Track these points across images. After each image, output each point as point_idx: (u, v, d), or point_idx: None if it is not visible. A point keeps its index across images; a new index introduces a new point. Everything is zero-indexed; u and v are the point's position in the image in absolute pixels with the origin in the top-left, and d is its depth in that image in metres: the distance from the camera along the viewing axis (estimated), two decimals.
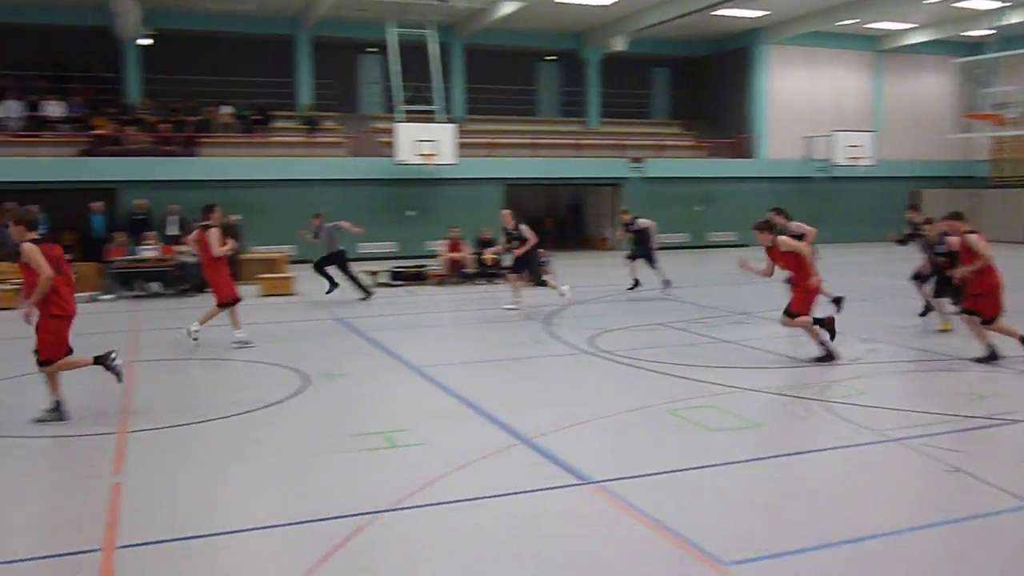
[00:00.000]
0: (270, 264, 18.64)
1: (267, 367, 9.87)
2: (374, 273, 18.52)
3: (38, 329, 7.52)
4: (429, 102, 25.49)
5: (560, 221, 31.88)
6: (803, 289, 9.51)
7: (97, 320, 14.01)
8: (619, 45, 29.25)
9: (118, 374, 7.94)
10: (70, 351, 7.71)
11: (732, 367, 9.36)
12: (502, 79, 30.77)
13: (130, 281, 16.93)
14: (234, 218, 19.94)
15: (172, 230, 19.57)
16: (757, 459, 6.37)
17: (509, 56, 31.03)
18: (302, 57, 27.93)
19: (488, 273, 18.75)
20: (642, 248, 16.32)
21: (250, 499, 5.74)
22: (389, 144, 25.12)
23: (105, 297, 16.38)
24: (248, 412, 7.82)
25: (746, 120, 31.37)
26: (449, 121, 25.68)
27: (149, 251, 17.35)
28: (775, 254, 9.72)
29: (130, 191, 21.71)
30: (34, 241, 7.38)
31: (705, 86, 33.61)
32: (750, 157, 30.83)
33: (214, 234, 11.02)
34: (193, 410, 7.90)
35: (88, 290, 16.72)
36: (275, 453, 6.68)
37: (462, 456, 6.34)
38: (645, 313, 13.74)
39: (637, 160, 28.59)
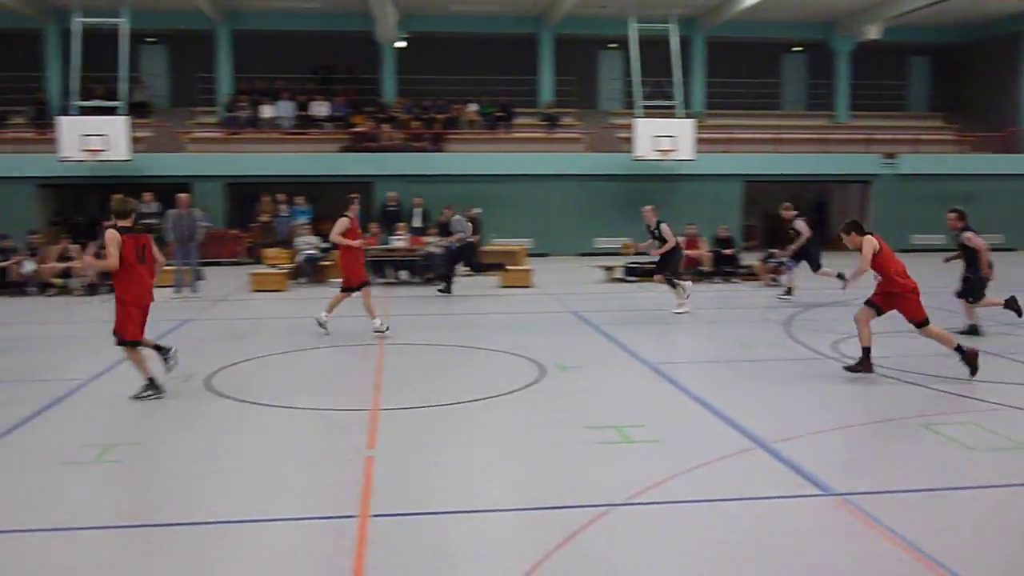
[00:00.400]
0: (509, 256, 19.23)
1: (506, 356, 10.22)
2: (609, 268, 18.64)
3: (115, 312, 8.17)
4: (669, 97, 25.26)
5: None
6: (907, 292, 8.60)
7: (352, 304, 15.12)
8: (873, 33, 27.55)
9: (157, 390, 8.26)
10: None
11: (998, 382, 8.59)
12: (744, 72, 29.95)
13: (382, 269, 18.10)
14: (475, 211, 20.79)
15: (416, 222, 20.70)
16: None
17: (752, 48, 30.11)
18: (544, 55, 28.60)
19: (725, 272, 18.36)
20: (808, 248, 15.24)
21: (489, 481, 5.99)
22: (627, 140, 25.16)
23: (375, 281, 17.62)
24: (488, 398, 8.15)
25: (1018, 112, 28.55)
26: (688, 116, 25.34)
27: (399, 241, 18.45)
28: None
29: (383, 184, 23.19)
30: (119, 229, 8.02)
31: (970, 75, 30.95)
32: (1022, 152, 28.04)
33: (340, 223, 11.51)
34: (437, 393, 8.35)
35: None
36: (513, 439, 6.92)
37: (696, 456, 6.27)
38: (896, 319, 12.87)
39: (890, 156, 26.82)
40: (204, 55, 27.44)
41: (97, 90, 24.11)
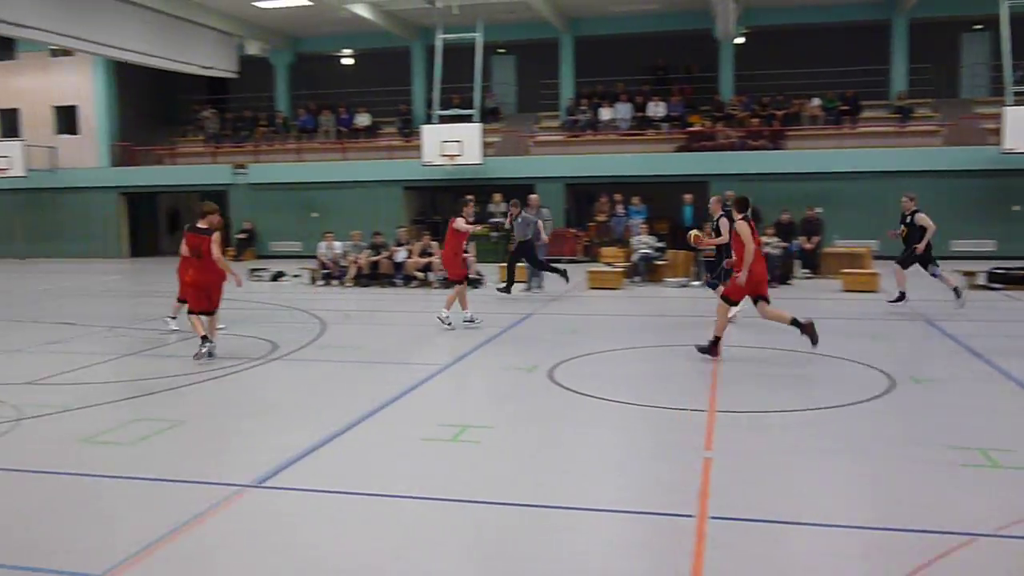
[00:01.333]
0: (853, 259, 18.16)
1: (850, 364, 9.69)
2: (969, 274, 16.91)
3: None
4: None
5: None
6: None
7: (683, 303, 15.15)
8: None
9: (208, 354, 10.20)
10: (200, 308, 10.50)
11: None
12: None
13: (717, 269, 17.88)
14: (816, 211, 19.88)
15: None
16: None
17: None
18: (897, 42, 26.55)
19: None
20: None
21: (835, 495, 5.71)
22: (994, 131, 22.66)
23: (695, 283, 17.56)
24: (832, 407, 7.78)
25: None
26: None
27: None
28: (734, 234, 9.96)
29: (719, 184, 22.89)
30: (186, 227, 10.65)
31: None
32: None
33: (458, 222, 12.55)
34: (777, 398, 8.15)
35: (680, 276, 18.14)
36: (861, 452, 6.53)
37: None
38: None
39: None
40: (548, 62, 28.85)
41: (454, 99, 26.30)
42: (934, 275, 13.80)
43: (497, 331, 12.14)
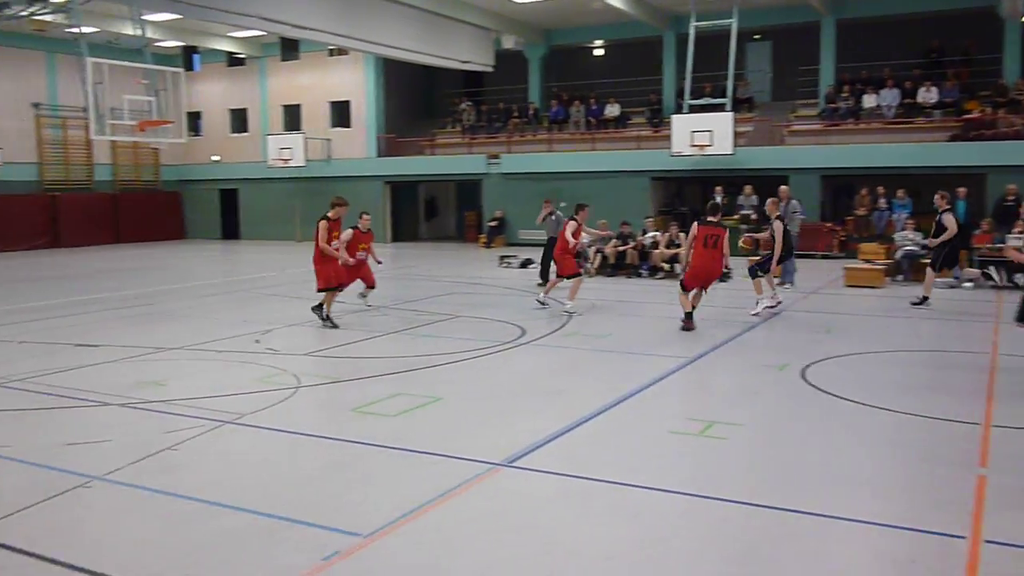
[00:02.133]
0: None
1: None
2: None
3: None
4: None
5: None
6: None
7: (950, 305, 13.96)
8: None
9: (329, 322, 11.99)
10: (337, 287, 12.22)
11: None
12: None
13: (994, 270, 16.32)
14: None
15: None
16: None
17: None
18: None
19: None
20: None
21: None
22: None
23: (967, 284, 16.12)
24: None
25: None
26: None
27: (1016, 240, 16.43)
28: None
29: (999, 177, 20.85)
30: (325, 216, 12.06)
31: None
32: None
33: (570, 225, 13.22)
34: None
35: (950, 276, 16.68)
36: None
37: None
38: None
39: None
40: (807, 48, 27.50)
41: (706, 88, 25.76)
42: (956, 277, 13.97)
43: (747, 326, 11.81)
